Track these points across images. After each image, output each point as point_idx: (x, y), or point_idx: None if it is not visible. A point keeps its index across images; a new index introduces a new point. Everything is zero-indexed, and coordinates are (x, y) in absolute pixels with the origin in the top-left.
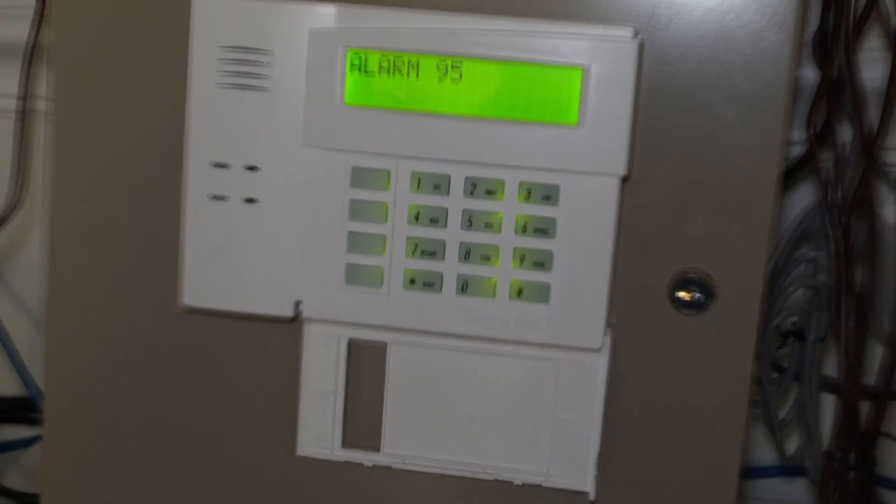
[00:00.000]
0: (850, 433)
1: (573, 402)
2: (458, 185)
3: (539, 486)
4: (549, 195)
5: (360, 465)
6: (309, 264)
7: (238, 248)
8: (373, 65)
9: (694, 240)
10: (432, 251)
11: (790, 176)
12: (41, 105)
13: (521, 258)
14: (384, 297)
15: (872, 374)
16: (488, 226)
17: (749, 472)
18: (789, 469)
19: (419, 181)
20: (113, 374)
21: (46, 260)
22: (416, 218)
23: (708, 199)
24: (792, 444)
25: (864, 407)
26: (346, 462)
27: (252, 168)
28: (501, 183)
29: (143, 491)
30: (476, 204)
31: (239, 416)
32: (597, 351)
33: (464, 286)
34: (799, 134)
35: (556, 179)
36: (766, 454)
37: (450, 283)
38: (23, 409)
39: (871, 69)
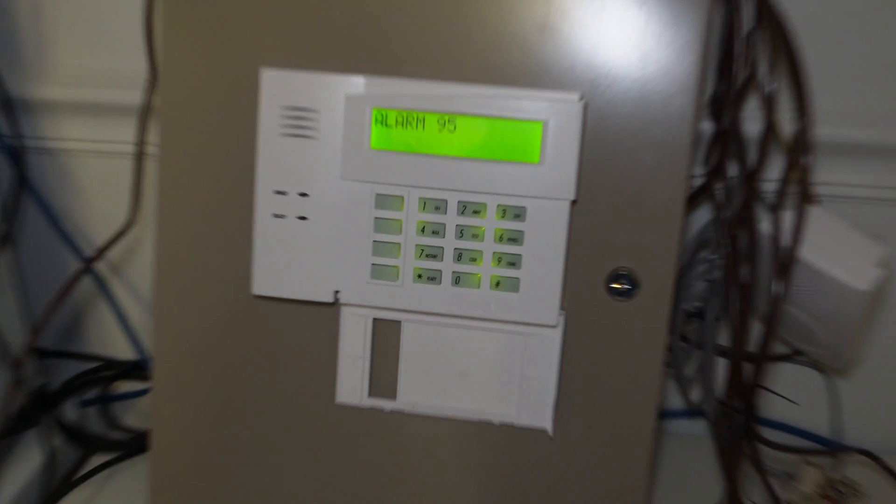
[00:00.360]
0: (737, 386)
1: (536, 363)
2: (452, 207)
3: (512, 425)
4: (518, 214)
5: (381, 409)
6: (344, 264)
7: (293, 253)
8: (391, 120)
9: (624, 246)
10: (434, 254)
11: (692, 200)
12: (151, 149)
13: (499, 259)
14: (399, 287)
15: (753, 343)
16: (475, 236)
17: (663, 414)
18: (693, 412)
19: (424, 204)
20: (202, 344)
21: (154, 260)
22: (422, 230)
23: (633, 217)
24: (694, 394)
25: (747, 367)
26: (371, 407)
27: (303, 194)
28: (484, 205)
29: (223, 426)
30: (466, 220)
31: (294, 373)
32: (553, 327)
33: (457, 280)
34: (699, 169)
35: (524, 203)
36: (675, 401)
37: (447, 278)
38: (137, 368)
39: (751, 123)
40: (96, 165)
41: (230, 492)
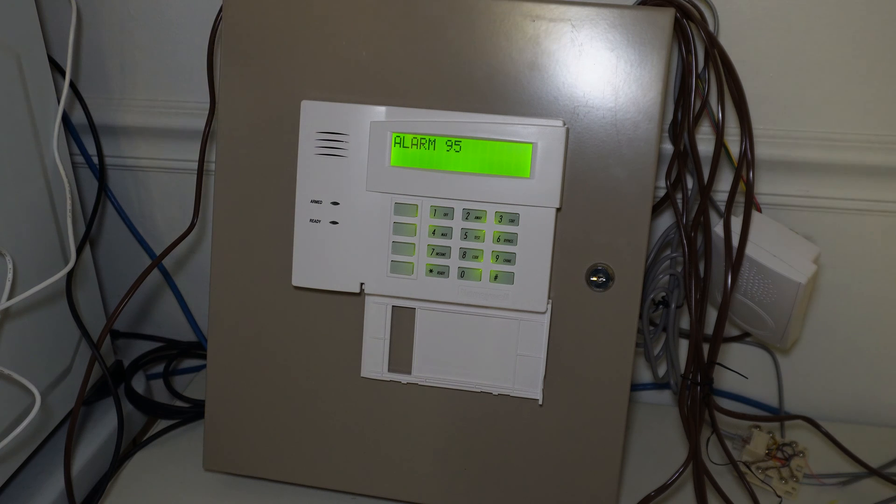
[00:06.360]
0: (696, 363)
1: (528, 344)
2: (458, 213)
3: (508, 395)
4: (513, 219)
5: (399, 381)
6: (368, 261)
7: (326, 251)
8: (408, 142)
9: (600, 245)
10: (443, 253)
11: (657, 207)
12: (210, 166)
13: (497, 257)
14: (414, 280)
15: (710, 327)
16: (477, 238)
17: (634, 387)
18: (659, 385)
19: (435, 211)
20: (249, 328)
21: (211, 258)
22: (433, 233)
23: (608, 221)
24: (661, 370)
25: (705, 347)
26: (391, 380)
27: (335, 203)
28: (485, 212)
29: (265, 396)
30: (469, 224)
31: (327, 352)
32: (542, 313)
33: (462, 274)
34: (662, 183)
35: (518, 210)
36: (645, 375)
37: (454, 272)
38: (195, 348)
39: (704, 144)
40: (164, 179)
41: (271, 451)
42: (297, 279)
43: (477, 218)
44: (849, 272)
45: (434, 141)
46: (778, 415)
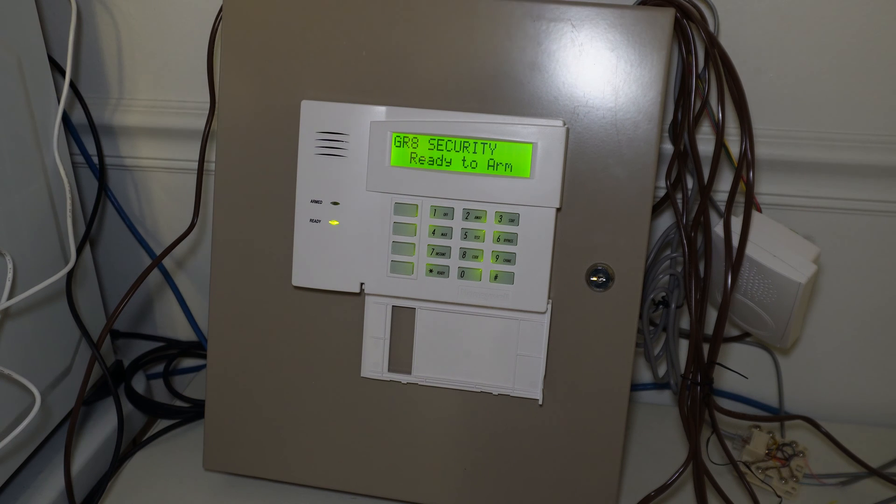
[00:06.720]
0: (696, 363)
1: (528, 344)
2: (458, 213)
3: (508, 395)
4: (513, 219)
5: (399, 382)
6: (368, 261)
7: (326, 251)
8: (408, 142)
9: (600, 245)
10: (443, 253)
11: (657, 207)
12: (210, 166)
13: (497, 257)
14: (414, 280)
15: (710, 327)
16: (477, 237)
17: (634, 387)
18: (659, 385)
19: (435, 211)
20: (250, 327)
21: (211, 258)
22: (433, 233)
23: (608, 221)
24: (661, 370)
25: (705, 347)
26: (391, 380)
27: (335, 203)
28: (485, 212)
29: (265, 396)
30: (470, 224)
31: (325, 352)
32: (542, 313)
33: (462, 273)
34: (662, 183)
35: (518, 210)
36: (645, 375)
37: (454, 272)
38: (195, 348)
39: (704, 144)
40: (164, 179)
41: (271, 451)
42: (297, 279)
43: (477, 218)
44: (849, 272)
45: (434, 141)
46: (778, 415)
